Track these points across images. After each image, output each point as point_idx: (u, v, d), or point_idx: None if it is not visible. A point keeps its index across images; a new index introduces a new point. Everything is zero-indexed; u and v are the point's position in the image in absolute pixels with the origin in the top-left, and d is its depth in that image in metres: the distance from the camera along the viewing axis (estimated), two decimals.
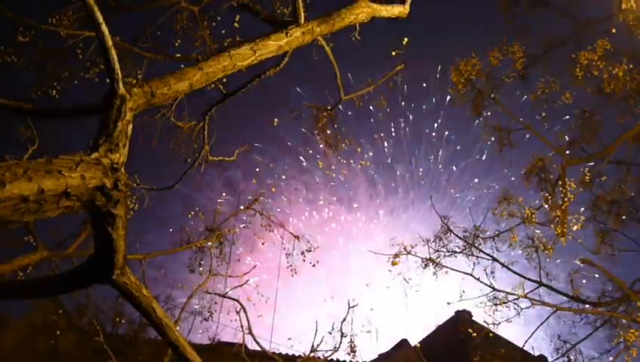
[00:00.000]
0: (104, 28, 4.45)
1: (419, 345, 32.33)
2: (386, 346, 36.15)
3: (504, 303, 18.99)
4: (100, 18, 4.44)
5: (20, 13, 11.80)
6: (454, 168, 51.79)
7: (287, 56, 7.11)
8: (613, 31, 15.86)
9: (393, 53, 11.15)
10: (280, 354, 18.68)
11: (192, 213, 17.66)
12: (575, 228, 18.12)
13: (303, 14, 6.52)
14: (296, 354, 19.15)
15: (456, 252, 20.54)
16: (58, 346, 24.91)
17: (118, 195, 4.24)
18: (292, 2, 6.53)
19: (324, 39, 8.38)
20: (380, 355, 34.79)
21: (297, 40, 6.28)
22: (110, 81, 4.60)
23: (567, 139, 19.49)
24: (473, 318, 32.14)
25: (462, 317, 34.02)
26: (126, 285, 5.04)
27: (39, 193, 3.67)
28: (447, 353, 34.14)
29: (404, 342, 36.69)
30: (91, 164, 4.08)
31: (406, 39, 10.97)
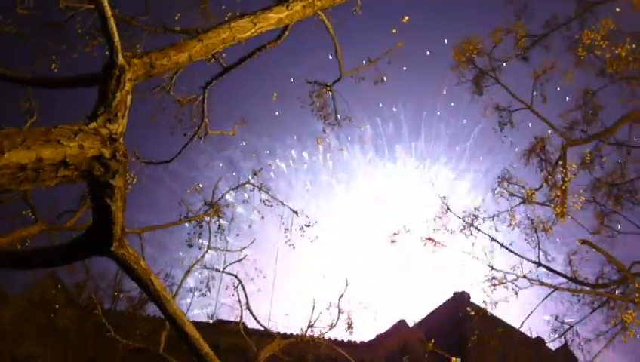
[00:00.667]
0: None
1: (415, 321, 32.54)
2: (384, 327, 36.42)
3: (502, 283, 19.01)
4: None
5: None
6: (456, 149, 51.83)
7: (288, 30, 7.05)
8: (617, 10, 15.75)
9: (394, 31, 11.10)
10: (277, 332, 18.77)
11: (191, 188, 17.67)
12: (575, 207, 18.10)
13: None
14: (294, 333, 19.24)
15: (455, 231, 20.54)
16: (57, 321, 25.05)
17: (117, 165, 4.22)
18: None
19: (325, 14, 8.30)
20: (377, 335, 35.07)
21: (298, 13, 6.23)
22: (110, 52, 4.56)
23: (568, 119, 19.43)
24: (471, 299, 32.38)
25: (460, 298, 34.26)
26: (124, 257, 5.05)
27: (37, 162, 3.65)
28: (445, 333, 34.40)
29: (402, 323, 36.98)
30: (90, 134, 4.05)
31: (407, 17, 10.89)
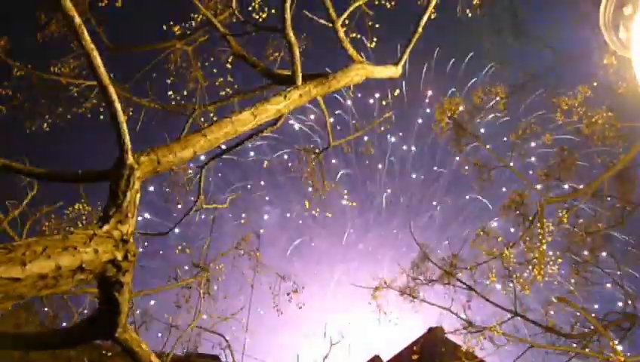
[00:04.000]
0: (117, 105, 4.69)
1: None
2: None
3: (480, 332, 19.21)
4: (114, 95, 4.68)
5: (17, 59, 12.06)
6: (435, 203, 52.73)
7: (284, 116, 7.31)
8: (595, 84, 16.27)
9: (383, 103, 11.53)
10: None
11: (180, 247, 17.89)
12: (552, 269, 18.46)
13: (300, 76, 6.76)
14: None
15: (433, 281, 20.81)
16: (30, 353, 24.41)
17: (128, 266, 4.46)
18: (291, 65, 6.78)
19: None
20: None
21: (295, 102, 6.50)
22: (120, 152, 4.80)
23: (545, 175, 19.84)
24: (446, 335, 32.37)
25: (435, 333, 34.00)
26: (127, 341, 5.25)
27: (57, 270, 3.88)
28: None
29: (376, 358, 36.88)
30: (103, 238, 4.30)
31: (397, 91, 11.33)
